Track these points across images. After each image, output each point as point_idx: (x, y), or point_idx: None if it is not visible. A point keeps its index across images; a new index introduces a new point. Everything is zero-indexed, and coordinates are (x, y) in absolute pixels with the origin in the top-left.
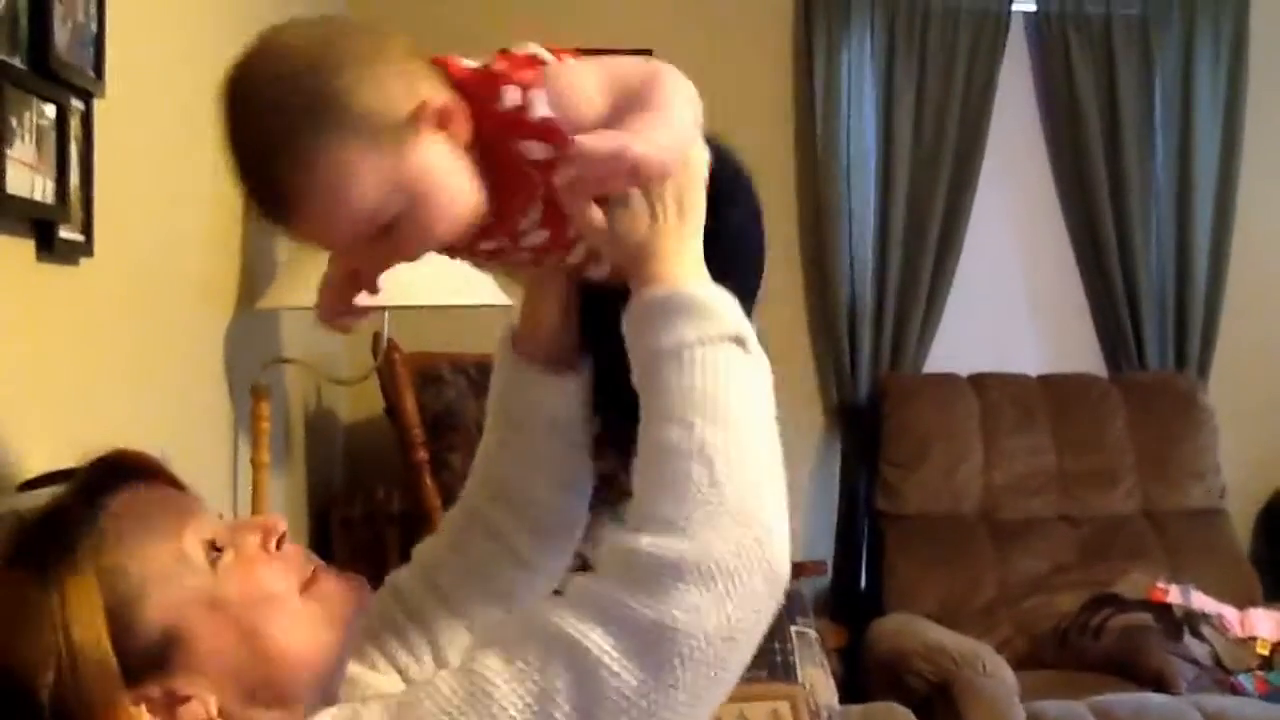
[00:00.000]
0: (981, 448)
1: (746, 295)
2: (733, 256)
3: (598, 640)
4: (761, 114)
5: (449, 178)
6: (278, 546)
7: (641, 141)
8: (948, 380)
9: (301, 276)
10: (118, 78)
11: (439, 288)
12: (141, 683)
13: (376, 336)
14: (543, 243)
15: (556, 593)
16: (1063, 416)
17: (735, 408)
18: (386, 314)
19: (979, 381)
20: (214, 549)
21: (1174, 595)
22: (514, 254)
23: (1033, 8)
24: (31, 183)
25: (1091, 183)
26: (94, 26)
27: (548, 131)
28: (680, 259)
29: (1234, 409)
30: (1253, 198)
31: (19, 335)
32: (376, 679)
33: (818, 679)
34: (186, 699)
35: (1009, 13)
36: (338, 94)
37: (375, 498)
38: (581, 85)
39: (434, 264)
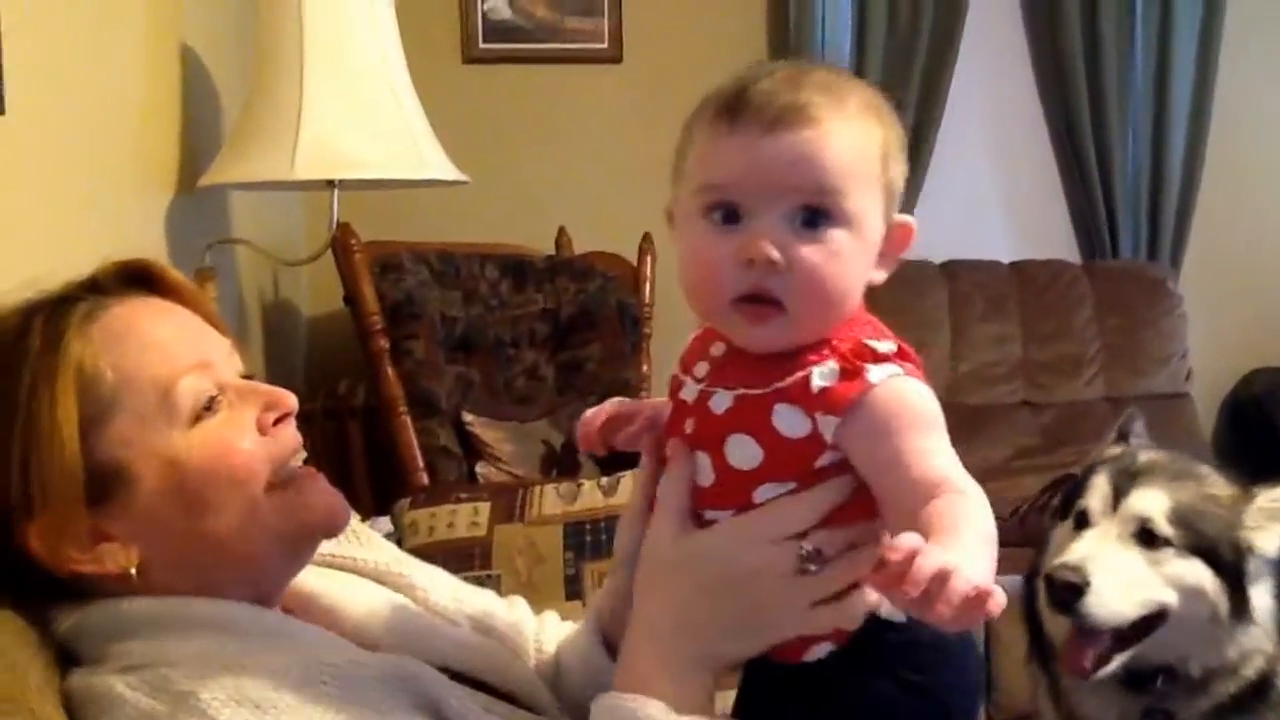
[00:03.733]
0: (949, 335)
1: None
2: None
3: None
4: (734, 4)
5: (864, 262)
6: (275, 424)
7: (967, 566)
8: (918, 267)
9: (248, 150)
10: None
11: (386, 162)
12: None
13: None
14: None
15: None
16: (1031, 304)
17: None
18: (335, 192)
19: (950, 269)
20: (208, 408)
21: None
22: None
23: None
24: None
25: (1069, 71)
26: None
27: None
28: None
29: (1204, 299)
30: (1230, 89)
31: None
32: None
33: None
34: (111, 539)
35: None
36: (885, 119)
37: (337, 391)
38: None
39: (380, 138)
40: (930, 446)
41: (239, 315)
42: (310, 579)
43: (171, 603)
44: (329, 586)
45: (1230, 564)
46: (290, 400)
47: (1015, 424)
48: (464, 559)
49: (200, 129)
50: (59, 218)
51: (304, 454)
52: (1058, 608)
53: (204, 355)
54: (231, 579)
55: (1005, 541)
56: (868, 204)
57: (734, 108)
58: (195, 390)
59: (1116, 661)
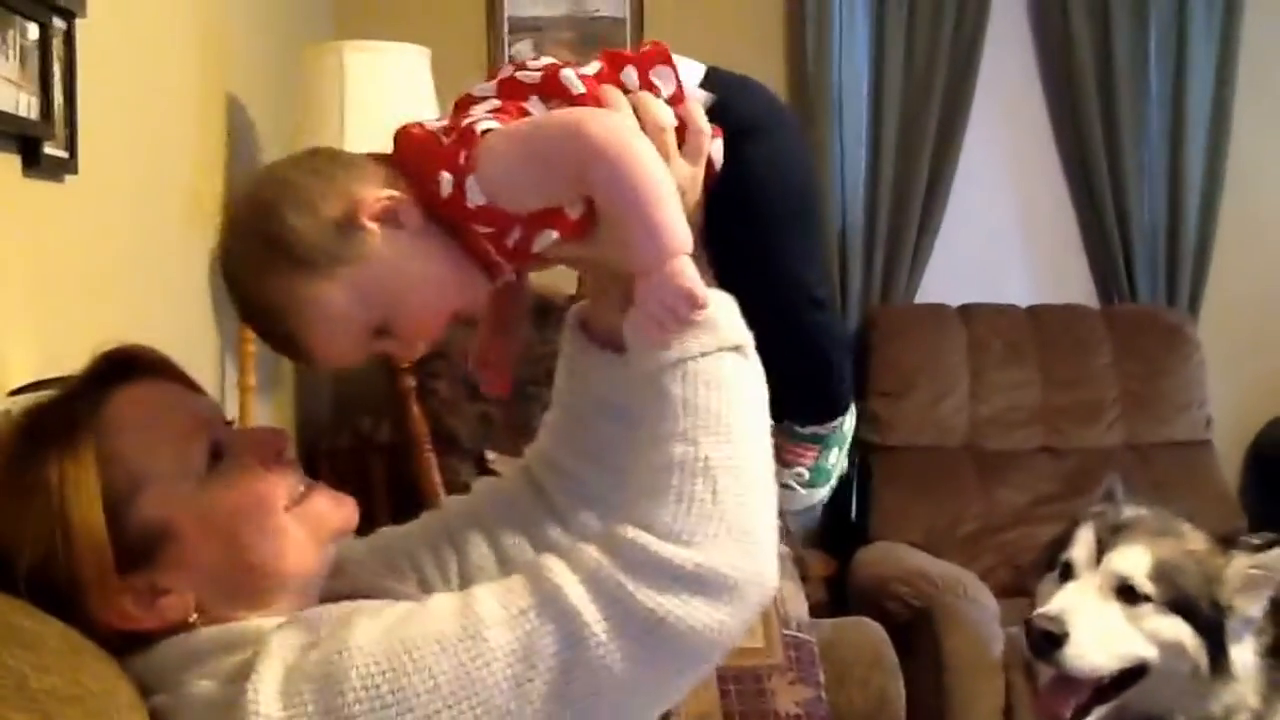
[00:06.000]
0: (968, 380)
1: (800, 229)
2: (768, 194)
3: (592, 612)
4: (752, 43)
5: (413, 265)
6: (276, 460)
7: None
8: (936, 312)
9: None
10: None
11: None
12: (128, 573)
13: None
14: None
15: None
16: (1050, 349)
17: (736, 422)
18: None
19: (967, 313)
20: (215, 456)
21: None
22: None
23: None
24: (16, 99)
25: (1084, 115)
26: None
27: (486, 215)
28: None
29: (1224, 345)
30: (1245, 134)
31: (6, 250)
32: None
33: (788, 592)
34: (167, 592)
35: None
36: (279, 238)
37: (362, 429)
38: (509, 166)
39: None
40: None
41: (273, 355)
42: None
43: (234, 628)
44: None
45: (1210, 620)
46: (284, 437)
47: (1035, 470)
48: None
49: (244, 177)
50: (118, 263)
51: (303, 478)
52: (1036, 655)
53: (198, 415)
54: (281, 593)
55: (1028, 592)
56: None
57: None
58: (201, 446)
59: (1095, 715)
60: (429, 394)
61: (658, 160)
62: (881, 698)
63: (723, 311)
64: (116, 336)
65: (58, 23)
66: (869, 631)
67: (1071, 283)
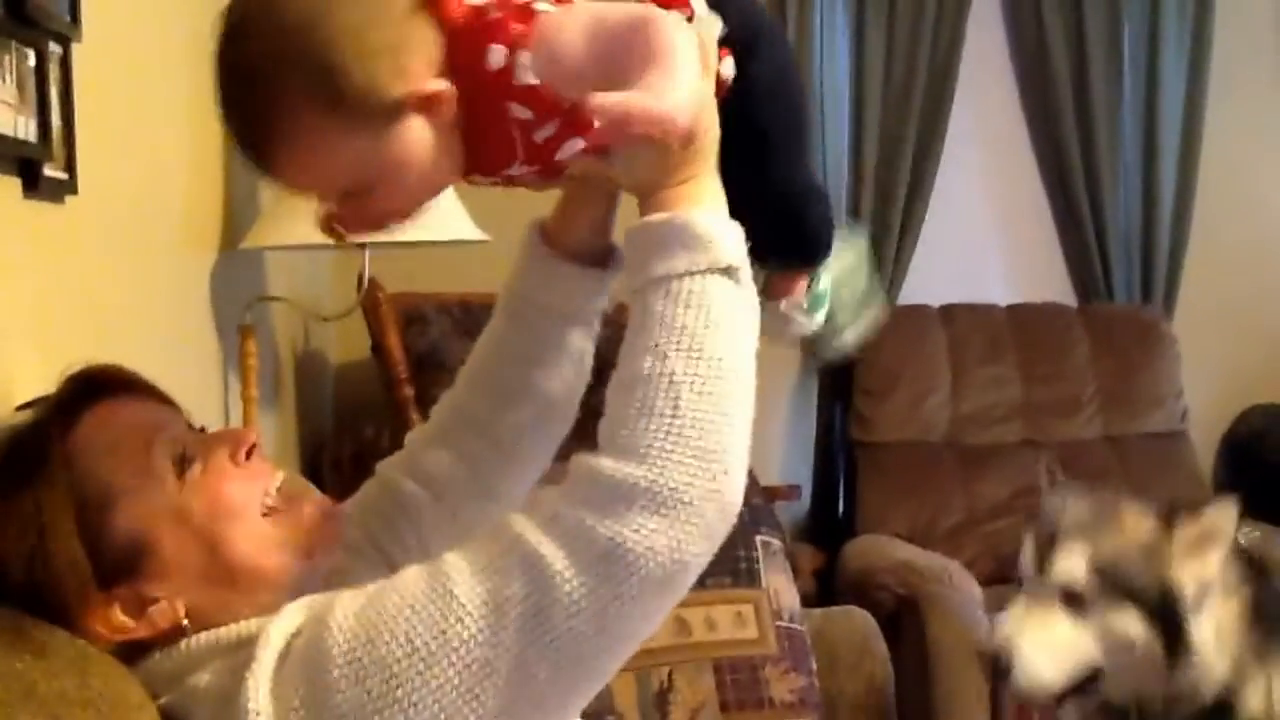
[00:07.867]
0: (950, 378)
1: (795, 137)
2: (768, 106)
3: (553, 551)
4: None
5: (424, 159)
6: (246, 458)
7: (655, 100)
8: (918, 312)
9: (285, 216)
10: (93, 22)
11: (416, 224)
12: (115, 585)
13: (360, 275)
14: (535, 176)
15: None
16: (1029, 346)
17: (709, 341)
18: (367, 252)
19: (948, 313)
20: (182, 461)
21: None
22: (516, 183)
23: None
24: (15, 123)
25: (1061, 121)
26: None
27: (532, 97)
28: (685, 190)
29: (1198, 340)
30: (1216, 139)
31: (8, 271)
32: (363, 569)
33: (780, 585)
34: (155, 600)
35: None
36: (329, 69)
37: (364, 437)
38: (570, 46)
39: None
40: None
41: (274, 367)
42: None
43: (230, 629)
44: None
45: (1162, 603)
46: (251, 435)
47: (1016, 463)
48: None
49: (241, 195)
50: (120, 281)
51: (281, 475)
52: (997, 678)
53: (160, 423)
54: (262, 592)
55: (1010, 581)
56: (358, 155)
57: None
58: (166, 452)
59: (1071, 709)
60: (429, 402)
61: (697, 74)
62: (871, 683)
63: (718, 231)
64: (119, 353)
65: (54, 47)
66: (858, 620)
67: (1050, 283)
